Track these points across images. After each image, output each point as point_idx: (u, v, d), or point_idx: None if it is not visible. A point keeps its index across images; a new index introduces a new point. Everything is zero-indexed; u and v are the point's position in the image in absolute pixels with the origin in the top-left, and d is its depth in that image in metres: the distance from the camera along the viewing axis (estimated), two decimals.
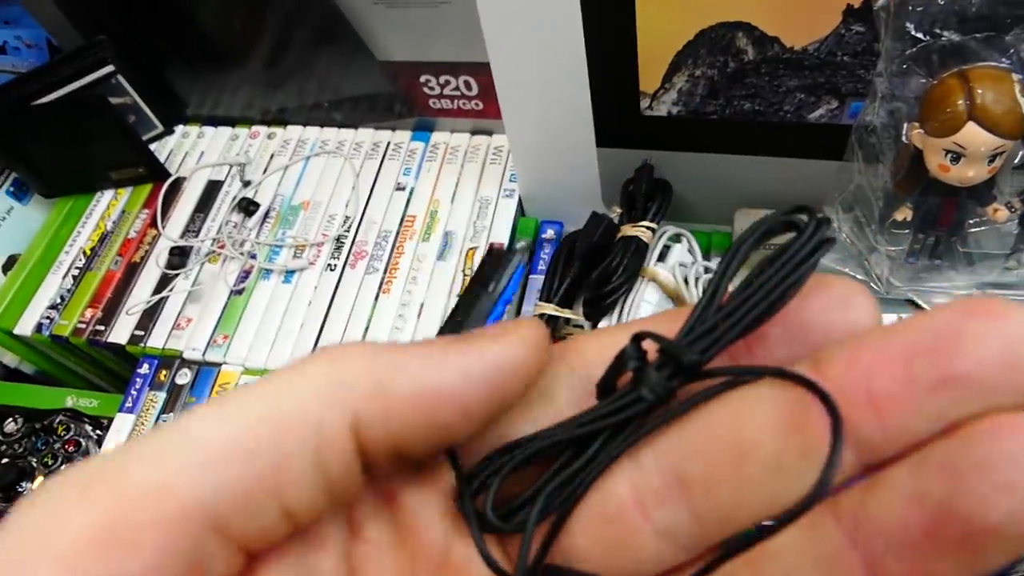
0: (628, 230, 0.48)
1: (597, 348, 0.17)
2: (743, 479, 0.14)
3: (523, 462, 0.15)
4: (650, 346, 0.15)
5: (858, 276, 0.43)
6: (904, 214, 0.41)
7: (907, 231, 0.42)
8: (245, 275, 0.59)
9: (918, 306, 0.42)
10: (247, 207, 0.62)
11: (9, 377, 0.68)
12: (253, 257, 0.60)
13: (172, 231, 0.63)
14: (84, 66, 0.62)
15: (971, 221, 0.41)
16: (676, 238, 0.50)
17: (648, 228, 0.48)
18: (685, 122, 0.48)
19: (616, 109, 0.49)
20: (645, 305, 0.46)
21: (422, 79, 0.58)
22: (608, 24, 0.44)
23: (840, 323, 0.15)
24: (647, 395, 0.15)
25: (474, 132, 0.63)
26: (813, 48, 0.43)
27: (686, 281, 0.48)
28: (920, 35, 0.39)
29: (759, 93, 0.46)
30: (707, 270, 0.49)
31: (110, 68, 0.63)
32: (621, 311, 0.46)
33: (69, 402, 0.62)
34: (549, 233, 0.57)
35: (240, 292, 0.58)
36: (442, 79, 0.58)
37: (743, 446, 0.14)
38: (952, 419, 0.13)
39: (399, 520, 0.16)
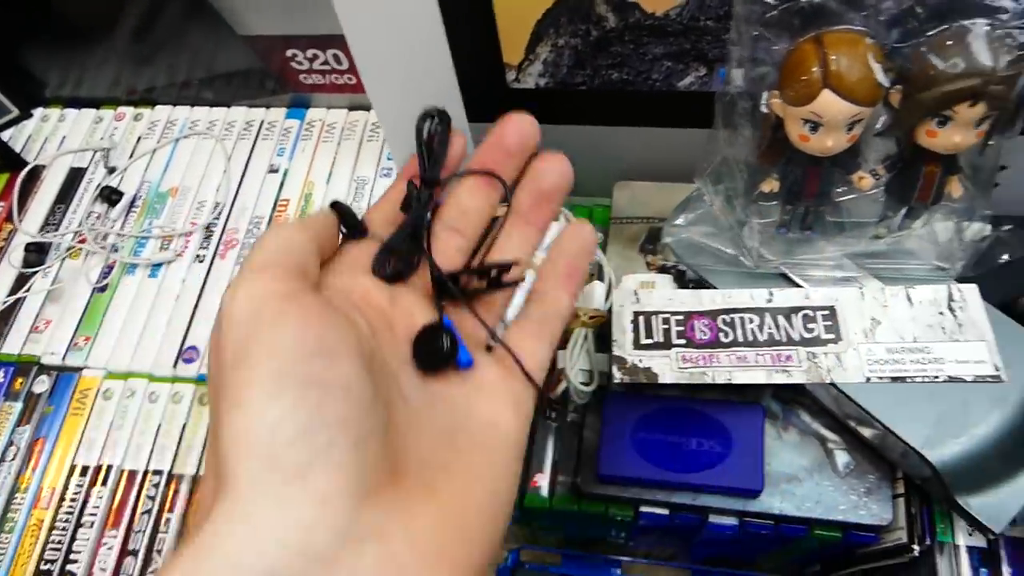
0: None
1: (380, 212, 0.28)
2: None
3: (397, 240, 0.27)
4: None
5: (728, 250, 0.42)
6: (771, 186, 0.40)
7: (775, 203, 0.41)
8: (108, 270, 0.55)
9: (792, 281, 0.41)
10: (110, 196, 0.58)
11: None
12: (116, 251, 0.56)
13: (30, 225, 0.59)
14: None
15: (838, 190, 0.40)
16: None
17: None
18: (554, 94, 0.46)
19: (483, 83, 0.46)
20: (520, 292, 0.44)
21: (289, 53, 0.55)
22: None
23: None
24: (423, 193, 0.28)
25: (351, 108, 0.59)
26: (675, 13, 0.41)
27: None
28: None
29: (626, 62, 0.43)
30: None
31: None
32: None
33: None
34: None
35: (103, 289, 0.54)
36: (310, 53, 0.54)
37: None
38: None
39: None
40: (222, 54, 0.57)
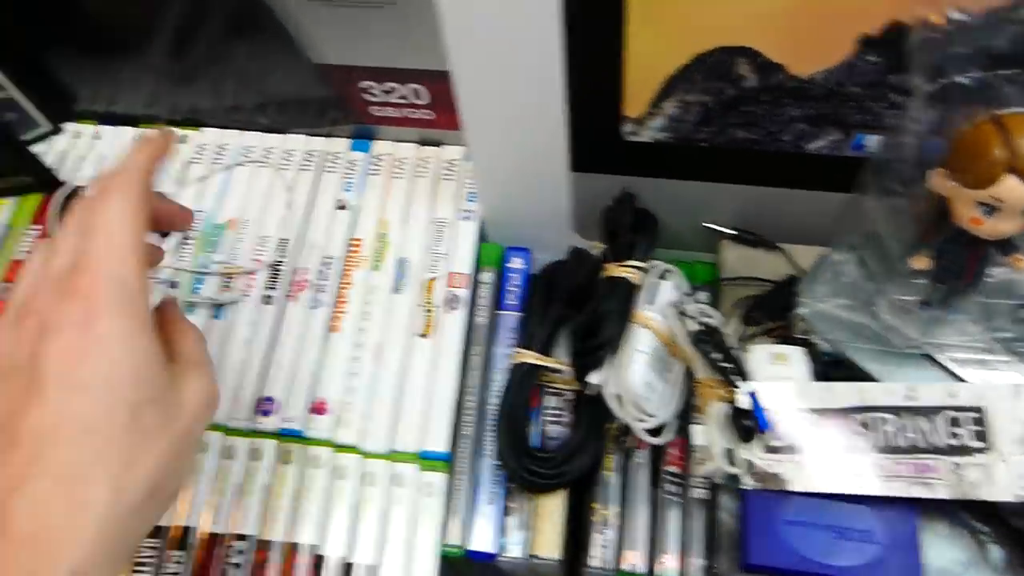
0: (615, 270, 0.43)
1: None
2: None
3: None
4: None
5: (870, 324, 0.40)
6: (923, 263, 0.38)
7: (923, 280, 0.39)
8: None
9: (938, 364, 0.39)
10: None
11: None
12: (174, 286, 0.52)
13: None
14: None
15: (992, 270, 0.39)
16: (663, 274, 0.46)
17: (637, 268, 0.43)
18: (671, 148, 0.44)
19: (595, 133, 0.44)
20: (638, 355, 0.42)
21: (362, 85, 0.51)
22: (592, 44, 0.39)
23: None
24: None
25: (422, 143, 0.56)
26: (821, 77, 0.39)
27: (680, 320, 0.44)
28: (947, 70, 0.36)
29: (756, 121, 0.41)
30: (697, 302, 0.45)
31: None
32: (614, 363, 0.42)
33: None
34: (516, 262, 0.51)
35: None
36: (386, 86, 0.51)
37: None
38: None
39: None
40: (282, 79, 0.53)
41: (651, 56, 0.38)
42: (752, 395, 0.39)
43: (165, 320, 0.36)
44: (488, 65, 0.40)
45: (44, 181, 0.56)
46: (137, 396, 0.28)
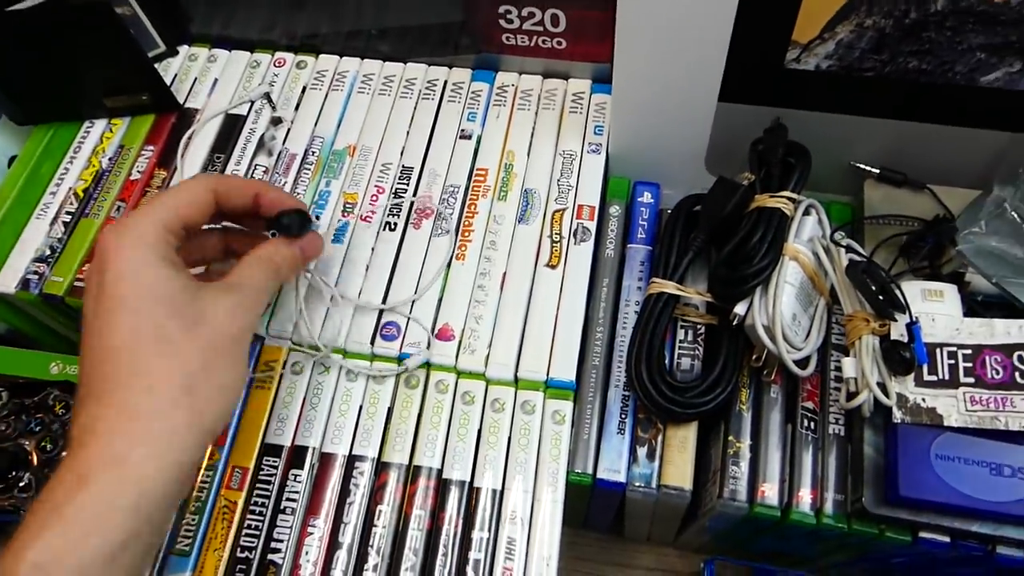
0: (766, 200, 0.42)
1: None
2: None
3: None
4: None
5: None
6: None
7: None
8: None
9: None
10: (271, 140, 0.53)
11: None
12: None
13: (185, 174, 0.53)
14: None
15: None
16: (807, 209, 0.45)
17: (789, 199, 0.42)
18: (832, 78, 0.43)
19: (755, 60, 0.43)
20: (787, 288, 0.41)
21: (501, 9, 0.50)
22: None
23: None
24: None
25: (545, 75, 0.55)
26: (1017, 2, 0.37)
27: (817, 257, 0.43)
28: None
29: (932, 50, 0.40)
30: (835, 245, 0.44)
31: None
32: (765, 295, 0.41)
33: (54, 369, 0.53)
34: (646, 196, 0.50)
35: None
36: (526, 11, 0.50)
37: None
38: None
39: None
40: (416, 3, 0.52)
41: None
42: (913, 327, 0.38)
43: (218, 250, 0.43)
44: None
45: (161, 101, 0.56)
46: (156, 312, 0.33)
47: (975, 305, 0.41)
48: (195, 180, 0.39)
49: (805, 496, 0.41)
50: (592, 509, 0.50)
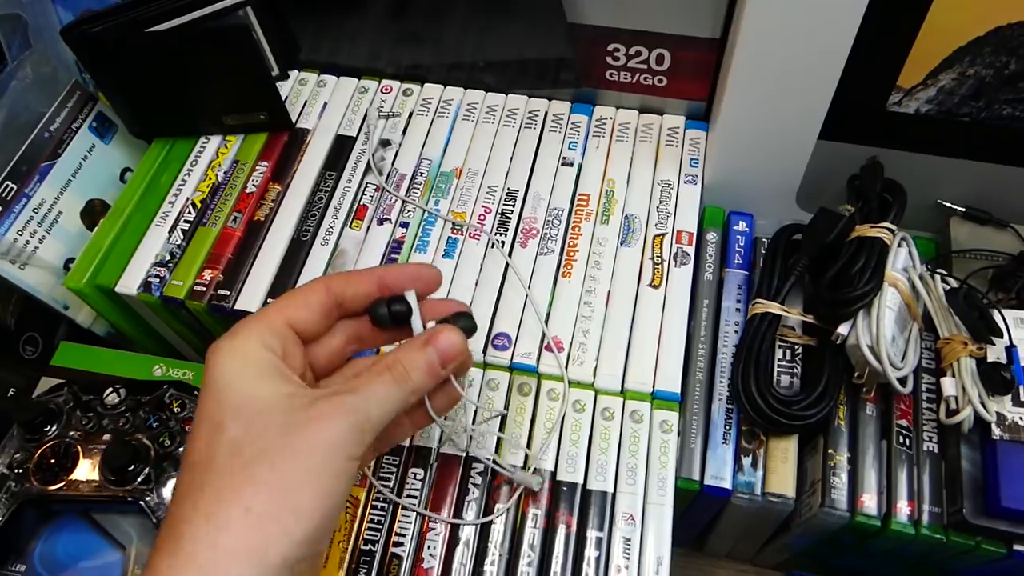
0: (867, 231, 0.46)
1: None
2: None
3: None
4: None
5: None
6: None
7: None
8: (397, 245, 0.54)
9: None
10: (380, 160, 0.56)
11: (81, 339, 0.60)
12: (404, 226, 0.54)
13: (300, 190, 0.57)
14: None
15: None
16: (900, 241, 0.48)
17: (889, 230, 0.46)
18: (930, 121, 0.46)
19: (858, 102, 0.46)
20: (888, 312, 0.44)
21: (611, 47, 0.54)
22: (895, 10, 0.41)
23: None
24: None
25: (641, 110, 0.59)
26: None
27: (912, 284, 0.46)
28: None
29: None
30: (930, 274, 0.47)
31: None
32: (868, 317, 0.44)
33: (157, 371, 0.55)
34: (741, 225, 0.54)
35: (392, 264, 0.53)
36: (633, 49, 0.54)
37: None
38: None
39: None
40: (527, 39, 0.56)
41: (949, 25, 0.41)
42: (1012, 349, 0.41)
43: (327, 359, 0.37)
44: (780, 29, 0.43)
45: (276, 120, 0.59)
46: (266, 414, 0.31)
47: None
48: (310, 283, 0.36)
49: (903, 508, 0.44)
50: (683, 520, 0.52)
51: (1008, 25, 0.40)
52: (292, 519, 0.29)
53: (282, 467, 0.29)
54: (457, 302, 0.39)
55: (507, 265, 0.52)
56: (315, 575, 0.33)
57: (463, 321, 0.36)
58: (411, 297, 0.35)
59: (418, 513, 0.45)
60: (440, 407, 0.37)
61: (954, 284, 0.46)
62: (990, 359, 0.42)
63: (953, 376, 0.43)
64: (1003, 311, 0.44)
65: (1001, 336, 0.42)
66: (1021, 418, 0.41)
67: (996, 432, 0.41)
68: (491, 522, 0.45)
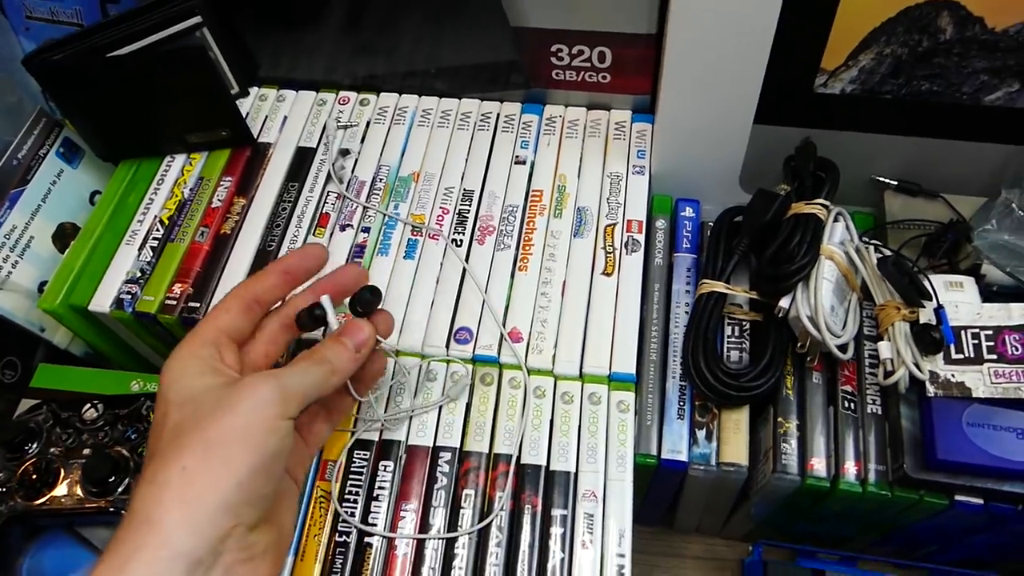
0: (803, 207, 0.48)
1: None
2: None
3: None
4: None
5: None
6: None
7: None
8: (359, 249, 0.56)
9: None
10: (341, 169, 0.58)
11: (60, 360, 0.62)
12: (366, 231, 0.56)
13: (263, 201, 0.59)
14: (170, 15, 0.57)
15: None
16: (835, 216, 0.50)
17: (823, 206, 0.48)
18: (856, 100, 0.49)
19: (787, 86, 0.49)
20: (825, 283, 0.46)
21: (554, 48, 0.56)
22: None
23: None
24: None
25: (589, 106, 0.61)
26: (1014, 31, 0.44)
27: (848, 257, 0.49)
28: None
29: (942, 74, 0.46)
30: (866, 246, 0.49)
31: (197, 19, 0.58)
32: (806, 289, 0.46)
33: (135, 387, 0.57)
34: (688, 211, 0.56)
35: None
36: (575, 49, 0.56)
37: None
38: None
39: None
40: (473, 44, 0.58)
41: (862, 9, 0.43)
42: (940, 311, 0.44)
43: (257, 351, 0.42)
44: (706, 22, 0.45)
45: (239, 135, 0.61)
46: (200, 398, 0.36)
47: (991, 294, 0.47)
48: (227, 293, 0.41)
49: (850, 468, 0.46)
50: (648, 498, 0.54)
51: (916, 5, 0.43)
52: (223, 469, 0.33)
53: (213, 429, 0.34)
54: (355, 269, 0.44)
55: (466, 262, 0.54)
56: (277, 527, 0.38)
57: (367, 294, 0.42)
58: (326, 302, 0.42)
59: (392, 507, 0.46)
60: (371, 376, 0.45)
61: (888, 254, 0.48)
62: (922, 321, 0.45)
63: (889, 340, 0.45)
64: (932, 276, 0.46)
65: (931, 299, 0.45)
66: (953, 375, 0.44)
67: (930, 390, 0.44)
68: (459, 507, 0.46)
